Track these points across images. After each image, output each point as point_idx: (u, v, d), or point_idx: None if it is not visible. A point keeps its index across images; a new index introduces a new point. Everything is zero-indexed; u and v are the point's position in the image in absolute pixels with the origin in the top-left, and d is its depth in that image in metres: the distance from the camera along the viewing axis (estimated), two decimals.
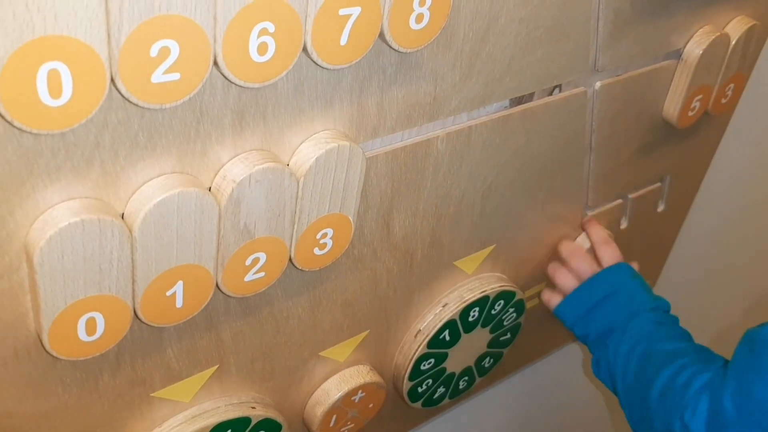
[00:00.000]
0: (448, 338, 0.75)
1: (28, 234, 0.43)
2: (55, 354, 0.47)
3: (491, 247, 0.75)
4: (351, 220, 0.57)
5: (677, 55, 0.75)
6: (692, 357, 0.66)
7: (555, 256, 0.81)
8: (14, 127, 0.38)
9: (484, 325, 0.78)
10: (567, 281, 0.78)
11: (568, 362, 1.10)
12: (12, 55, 0.35)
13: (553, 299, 0.80)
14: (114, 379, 0.54)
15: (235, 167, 0.48)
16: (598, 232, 0.80)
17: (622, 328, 0.72)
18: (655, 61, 0.73)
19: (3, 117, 0.37)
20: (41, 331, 0.46)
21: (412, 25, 0.49)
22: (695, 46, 0.74)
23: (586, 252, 0.79)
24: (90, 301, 0.46)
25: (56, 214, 0.43)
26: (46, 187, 0.43)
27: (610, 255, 0.78)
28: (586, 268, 0.77)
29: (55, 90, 0.37)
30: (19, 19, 0.34)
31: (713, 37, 0.73)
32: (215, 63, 0.42)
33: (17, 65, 0.35)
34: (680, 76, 0.75)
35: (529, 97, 0.66)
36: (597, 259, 0.78)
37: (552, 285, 0.81)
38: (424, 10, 0.49)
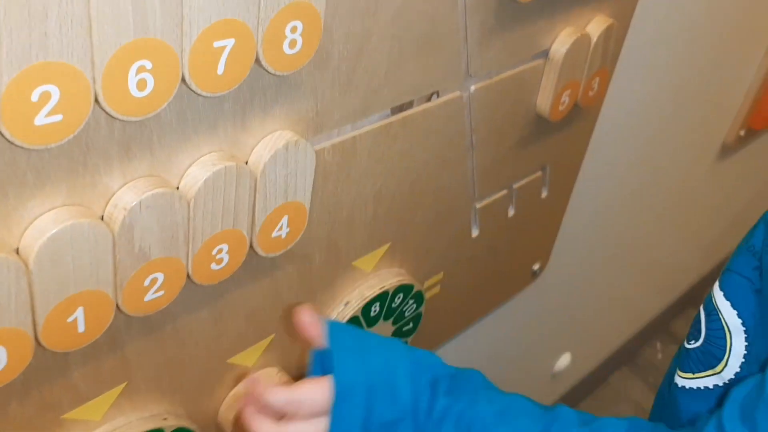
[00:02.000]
0: None
1: None
2: None
3: (387, 246, 0.80)
4: (245, 234, 0.60)
5: (544, 55, 0.81)
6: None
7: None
8: None
9: (386, 318, 0.83)
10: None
11: (481, 343, 1.17)
12: None
13: None
14: (22, 407, 0.55)
15: (126, 195, 0.51)
16: (276, 400, 0.55)
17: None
18: (523, 63, 0.79)
19: None
20: None
21: (286, 50, 0.52)
22: (560, 45, 0.80)
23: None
24: None
25: None
26: None
27: (313, 402, 0.55)
28: (318, 399, 0.55)
29: None
30: None
31: (575, 37, 0.80)
32: (96, 101, 0.44)
33: None
34: (548, 74, 0.82)
35: (409, 105, 0.70)
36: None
37: None
38: (297, 36, 0.52)
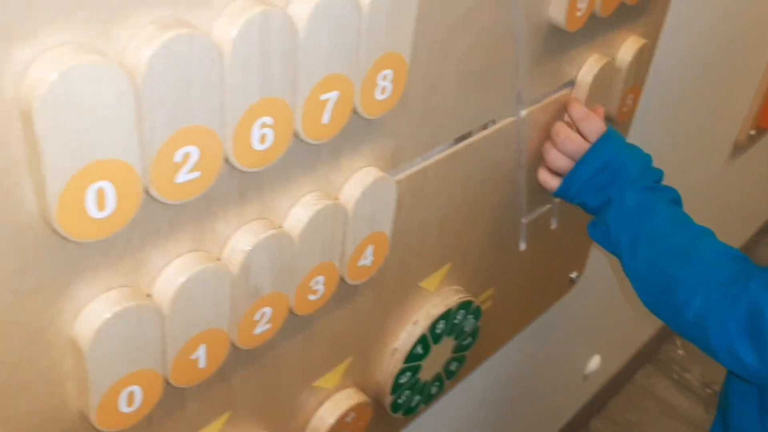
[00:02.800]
0: (420, 351, 0.84)
1: (73, 327, 0.48)
2: (101, 429, 0.52)
3: (448, 265, 0.84)
4: (337, 265, 0.64)
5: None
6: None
7: (547, 135, 0.85)
8: (67, 240, 0.43)
9: (449, 335, 0.87)
10: (561, 163, 0.83)
11: (521, 350, 1.21)
12: (66, 183, 0.41)
13: (551, 182, 0.85)
14: None
15: (243, 238, 0.55)
16: (577, 110, 0.83)
17: (618, 199, 0.78)
18: (566, 86, 0.84)
19: (58, 233, 0.42)
20: (89, 410, 0.51)
21: (378, 96, 0.57)
22: (586, 74, 0.85)
23: (571, 131, 0.83)
24: (130, 377, 0.52)
25: (97, 307, 0.48)
26: (87, 284, 0.48)
27: (592, 128, 0.81)
28: (575, 147, 0.81)
29: (101, 205, 0.43)
30: (72, 152, 0.40)
31: (602, 63, 0.84)
32: (226, 158, 0.48)
33: (70, 190, 0.41)
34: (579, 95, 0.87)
35: (468, 134, 0.75)
36: (583, 135, 0.82)
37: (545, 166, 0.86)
38: (387, 83, 0.57)
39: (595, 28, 0.81)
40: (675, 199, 0.80)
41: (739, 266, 0.71)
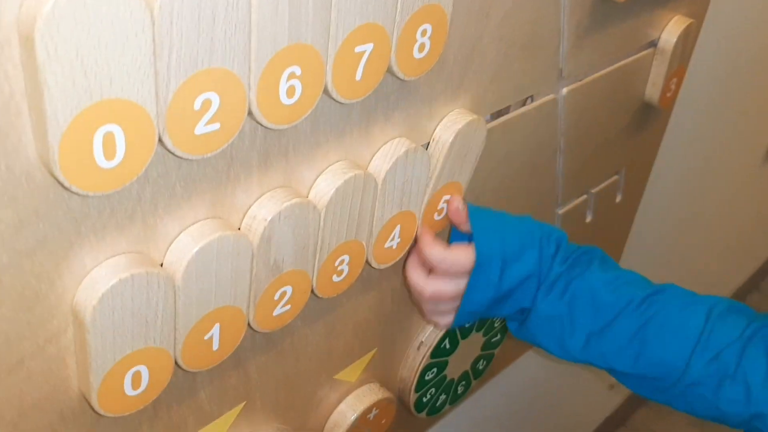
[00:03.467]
0: (448, 346, 0.78)
1: (76, 295, 0.43)
2: (102, 412, 0.47)
3: None
4: (364, 244, 0.59)
5: (630, 55, 0.80)
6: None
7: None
8: (70, 191, 0.38)
9: (478, 330, 0.82)
10: (439, 309, 0.67)
11: (533, 358, 1.16)
12: (71, 122, 0.36)
13: (442, 322, 0.68)
14: (152, 429, 0.54)
15: (264, 207, 0.50)
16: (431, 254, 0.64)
17: (534, 310, 0.64)
18: (611, 64, 0.78)
19: (60, 183, 0.37)
20: (90, 390, 0.46)
21: (416, 54, 0.52)
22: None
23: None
24: (136, 355, 0.46)
25: (103, 273, 0.43)
26: (92, 246, 0.43)
27: (457, 261, 0.63)
28: (447, 290, 0.64)
29: (109, 152, 0.38)
30: (78, 87, 0.35)
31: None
32: (249, 110, 0.43)
33: (75, 131, 0.36)
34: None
35: (506, 110, 0.70)
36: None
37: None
38: (426, 40, 0.52)
39: (641, 3, 0.76)
40: (593, 259, 0.66)
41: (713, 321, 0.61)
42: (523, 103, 0.72)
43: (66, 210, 0.40)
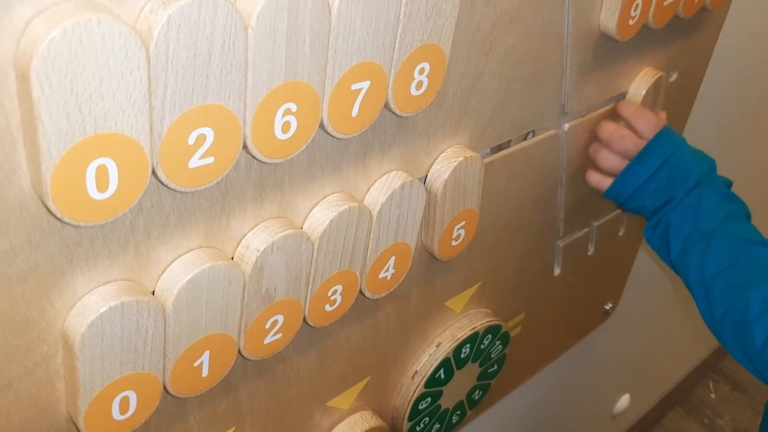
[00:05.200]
0: (443, 376, 0.78)
1: (66, 321, 0.44)
2: None
3: (477, 285, 0.79)
4: (358, 274, 0.59)
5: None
6: None
7: (595, 137, 0.78)
8: (61, 221, 0.39)
9: (474, 360, 0.82)
10: (612, 163, 0.75)
11: (547, 384, 1.15)
12: (64, 156, 0.36)
13: (602, 182, 0.77)
14: None
15: (257, 237, 0.50)
16: (627, 107, 0.76)
17: (683, 203, 0.71)
18: (614, 100, 0.79)
19: (52, 213, 0.38)
20: (77, 414, 0.46)
21: (413, 91, 0.52)
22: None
23: (625, 129, 0.76)
24: (125, 381, 0.47)
25: (93, 300, 0.44)
26: (84, 274, 0.44)
27: (649, 125, 0.74)
28: (629, 145, 0.74)
29: (102, 184, 0.39)
30: (72, 121, 0.36)
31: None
32: (244, 144, 0.44)
33: (68, 164, 0.37)
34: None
35: (507, 144, 0.70)
36: (636, 133, 0.75)
37: (595, 166, 0.79)
38: (423, 78, 0.52)
39: (646, 40, 0.76)
40: (747, 213, 0.73)
41: None
42: (524, 138, 0.72)
43: (59, 239, 0.41)
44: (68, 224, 0.40)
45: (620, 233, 0.98)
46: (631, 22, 0.68)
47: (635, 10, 0.67)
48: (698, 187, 0.71)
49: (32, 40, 0.33)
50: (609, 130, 0.75)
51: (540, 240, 0.83)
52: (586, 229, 0.91)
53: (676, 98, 0.87)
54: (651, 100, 0.80)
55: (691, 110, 0.92)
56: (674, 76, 0.85)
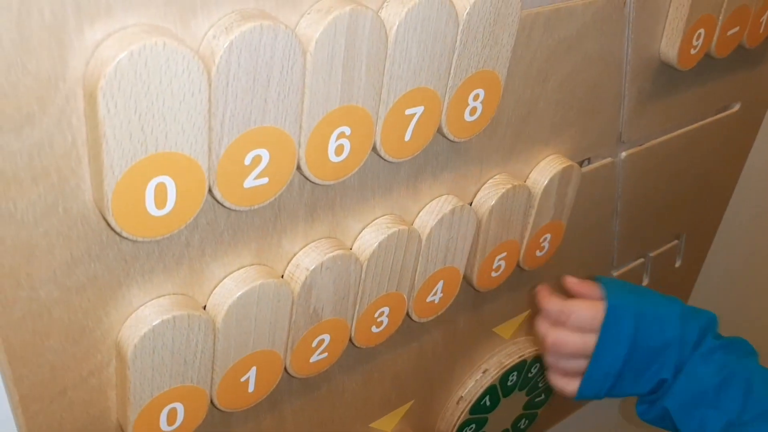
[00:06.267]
0: (488, 403, 0.77)
1: (120, 332, 0.45)
2: None
3: (526, 312, 0.78)
4: (405, 297, 0.59)
5: (692, 122, 0.79)
6: None
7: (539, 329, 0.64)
8: (120, 236, 0.40)
9: (521, 389, 0.80)
10: (569, 364, 0.62)
11: (599, 415, 1.12)
12: (126, 173, 0.38)
13: (568, 386, 0.62)
14: None
15: (307, 256, 0.51)
16: (550, 308, 0.62)
17: (676, 387, 0.59)
18: (673, 130, 0.77)
19: (112, 228, 0.39)
20: (127, 423, 0.47)
21: (467, 117, 0.53)
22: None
23: (562, 331, 0.61)
24: (173, 393, 0.48)
25: (147, 312, 0.45)
26: (139, 287, 0.45)
27: (584, 316, 0.60)
28: (576, 345, 0.60)
29: (160, 201, 0.40)
30: (134, 140, 0.37)
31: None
32: (298, 166, 0.45)
33: (129, 181, 0.38)
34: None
35: None
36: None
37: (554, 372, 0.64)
38: (478, 104, 0.53)
39: (709, 70, 0.75)
40: (748, 352, 0.61)
41: None
42: (580, 165, 0.71)
43: (117, 252, 0.42)
44: (126, 239, 0.41)
45: (676, 265, 0.96)
46: (692, 52, 0.67)
47: (697, 39, 0.66)
48: (685, 355, 0.59)
49: (100, 62, 0.35)
50: (546, 337, 0.61)
51: (593, 269, 0.82)
52: (642, 260, 0.89)
53: (737, 130, 0.85)
54: (555, 192, 0.66)
55: (754, 143, 0.90)
56: (736, 107, 0.83)
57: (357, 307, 0.56)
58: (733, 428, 0.56)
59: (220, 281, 0.49)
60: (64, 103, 0.36)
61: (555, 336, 0.60)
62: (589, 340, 0.59)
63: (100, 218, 0.40)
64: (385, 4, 0.45)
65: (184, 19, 0.38)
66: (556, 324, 0.61)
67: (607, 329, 0.59)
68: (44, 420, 0.45)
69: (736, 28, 0.69)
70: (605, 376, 0.60)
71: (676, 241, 0.92)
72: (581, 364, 0.60)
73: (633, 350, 0.58)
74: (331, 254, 0.51)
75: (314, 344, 0.55)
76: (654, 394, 0.61)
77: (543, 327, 0.62)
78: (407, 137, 0.50)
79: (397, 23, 0.44)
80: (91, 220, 0.40)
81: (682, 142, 0.79)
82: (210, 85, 0.38)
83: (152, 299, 0.46)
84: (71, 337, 0.44)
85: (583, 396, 0.62)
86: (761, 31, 0.73)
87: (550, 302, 0.62)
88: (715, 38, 0.68)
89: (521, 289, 0.74)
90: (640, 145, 0.75)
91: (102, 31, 0.36)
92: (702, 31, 0.66)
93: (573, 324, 0.60)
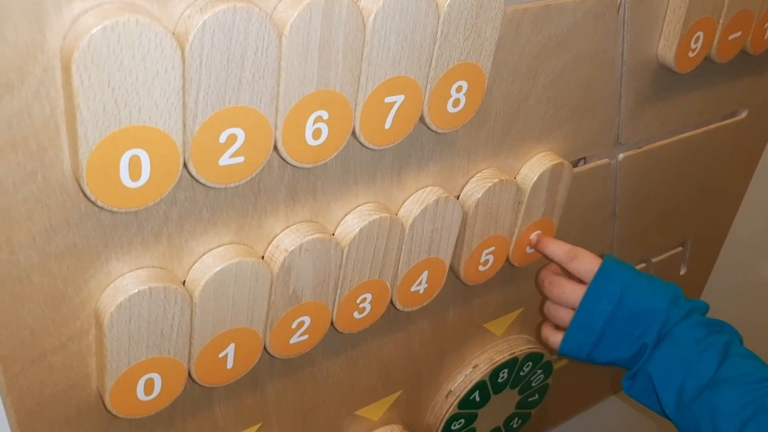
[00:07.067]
0: (478, 399, 0.78)
1: (99, 300, 0.47)
2: (114, 412, 0.50)
3: (519, 310, 0.78)
4: (388, 285, 0.60)
5: (694, 127, 0.78)
6: None
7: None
8: (96, 205, 0.42)
9: (512, 387, 0.81)
10: (558, 314, 0.66)
11: (597, 422, 1.12)
12: (99, 144, 0.39)
13: (552, 338, 0.67)
14: None
15: (287, 238, 0.52)
16: (557, 249, 0.66)
17: (659, 351, 0.61)
18: (674, 134, 0.77)
19: (88, 197, 0.41)
20: (104, 390, 0.49)
21: (450, 109, 0.54)
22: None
23: (557, 277, 0.67)
24: (150, 363, 0.50)
25: (126, 282, 0.47)
26: (118, 258, 0.47)
27: (585, 266, 0.64)
28: (565, 296, 0.65)
29: (135, 173, 0.41)
30: (108, 112, 0.39)
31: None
32: (275, 147, 0.46)
33: (104, 152, 0.40)
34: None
35: None
36: (574, 277, 0.66)
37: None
38: (461, 96, 0.53)
39: (710, 74, 0.74)
40: (740, 340, 0.62)
41: None
42: (575, 165, 0.72)
43: (96, 222, 0.44)
44: (103, 209, 0.43)
45: (681, 272, 0.95)
46: (691, 54, 0.67)
47: (696, 42, 0.66)
48: (669, 326, 0.61)
49: (76, 36, 0.37)
50: (543, 279, 0.67)
51: None
52: (643, 265, 0.88)
53: (744, 137, 0.84)
54: (546, 189, 0.66)
55: (763, 151, 0.88)
56: (743, 114, 0.82)
57: (338, 291, 0.57)
58: (705, 391, 0.58)
59: (200, 257, 0.50)
60: (42, 74, 0.38)
61: (553, 278, 0.66)
62: (580, 290, 0.64)
63: (79, 188, 0.42)
64: None
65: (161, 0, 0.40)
66: (556, 272, 0.68)
67: (597, 283, 0.62)
68: (24, 382, 0.47)
69: (738, 33, 0.69)
70: (588, 330, 0.63)
71: (680, 248, 0.91)
72: (571, 316, 0.64)
73: (618, 309, 0.61)
74: (310, 237, 0.52)
75: (294, 325, 0.56)
76: (636, 363, 0.62)
77: (544, 272, 0.68)
78: (387, 125, 0.51)
79: (374, 11, 0.45)
80: (70, 189, 0.42)
81: (684, 146, 0.79)
82: (184, 63, 0.40)
83: (131, 270, 0.48)
84: (50, 303, 0.45)
85: (565, 349, 0.65)
86: (766, 37, 0.73)
87: (558, 244, 0.66)
88: (715, 42, 0.68)
89: (513, 286, 0.75)
90: (639, 148, 0.75)
91: (79, 7, 0.37)
92: (701, 34, 0.66)
93: (573, 269, 0.65)
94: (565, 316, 0.65)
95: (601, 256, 0.66)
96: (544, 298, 0.68)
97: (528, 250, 0.69)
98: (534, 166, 0.64)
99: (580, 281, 0.66)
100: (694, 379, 0.59)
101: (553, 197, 0.67)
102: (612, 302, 0.61)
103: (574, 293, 0.64)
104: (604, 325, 0.62)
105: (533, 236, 0.68)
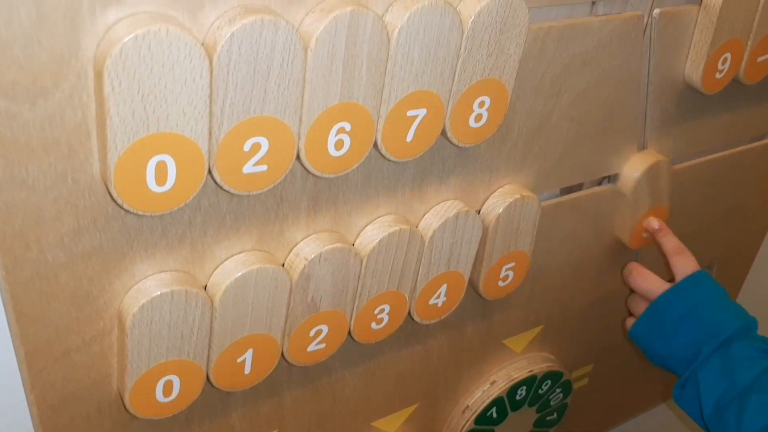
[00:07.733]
0: (495, 416, 0.78)
1: (122, 301, 0.48)
2: (133, 412, 0.51)
3: (539, 328, 0.78)
4: (406, 297, 0.60)
5: (723, 149, 0.78)
6: None
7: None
8: (122, 209, 0.44)
9: (530, 404, 0.80)
10: (635, 305, 0.73)
11: None
12: (128, 149, 0.41)
13: (627, 321, 0.75)
14: None
15: (307, 246, 0.53)
16: (670, 242, 0.72)
17: (712, 359, 0.65)
18: (702, 155, 0.77)
19: (115, 200, 0.42)
20: (124, 390, 0.50)
21: (472, 123, 0.54)
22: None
23: (644, 269, 0.74)
24: (170, 365, 0.51)
25: (148, 285, 0.48)
26: (142, 260, 0.48)
27: (684, 266, 0.70)
28: (649, 286, 0.71)
29: (161, 178, 0.43)
30: (137, 118, 0.40)
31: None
32: (297, 156, 0.47)
33: (131, 157, 0.41)
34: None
35: (579, 186, 0.70)
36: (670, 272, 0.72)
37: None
38: (483, 111, 0.54)
39: (739, 96, 0.74)
40: None
41: None
42: (599, 183, 0.72)
43: (122, 225, 0.46)
44: (129, 212, 0.44)
45: None
46: (718, 76, 0.67)
47: (723, 63, 0.66)
48: (730, 342, 0.65)
49: (109, 44, 0.38)
50: (630, 269, 0.74)
51: (612, 290, 0.81)
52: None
53: None
54: (648, 186, 0.71)
55: None
56: None
57: (356, 301, 0.57)
58: (737, 397, 0.62)
59: (222, 263, 0.51)
60: (75, 80, 0.39)
61: (641, 268, 0.72)
62: (662, 285, 0.69)
63: (106, 191, 0.44)
64: (390, 7, 0.47)
65: (192, 11, 0.41)
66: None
67: (685, 282, 0.68)
68: (48, 378, 0.48)
69: (767, 56, 0.69)
70: (659, 319, 0.68)
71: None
72: (641, 309, 0.71)
73: (692, 311, 0.66)
74: (330, 246, 0.53)
75: (312, 333, 0.57)
76: (687, 368, 0.66)
77: (632, 264, 0.74)
78: (409, 138, 0.51)
79: (399, 26, 0.46)
80: (98, 192, 0.43)
81: (710, 168, 0.78)
82: (211, 73, 0.41)
83: (154, 273, 0.49)
84: (76, 302, 0.47)
85: (635, 331, 0.71)
86: None
87: (674, 236, 0.71)
88: (743, 64, 0.68)
89: (534, 303, 0.75)
90: None
91: (113, 16, 0.39)
92: (728, 55, 0.66)
93: (674, 263, 0.70)
94: (644, 306, 0.71)
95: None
96: (630, 288, 0.74)
97: (644, 234, 0.74)
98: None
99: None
100: (734, 389, 0.62)
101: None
102: (690, 303, 0.67)
103: (656, 286, 0.70)
104: (674, 320, 0.67)
105: (655, 222, 0.72)
